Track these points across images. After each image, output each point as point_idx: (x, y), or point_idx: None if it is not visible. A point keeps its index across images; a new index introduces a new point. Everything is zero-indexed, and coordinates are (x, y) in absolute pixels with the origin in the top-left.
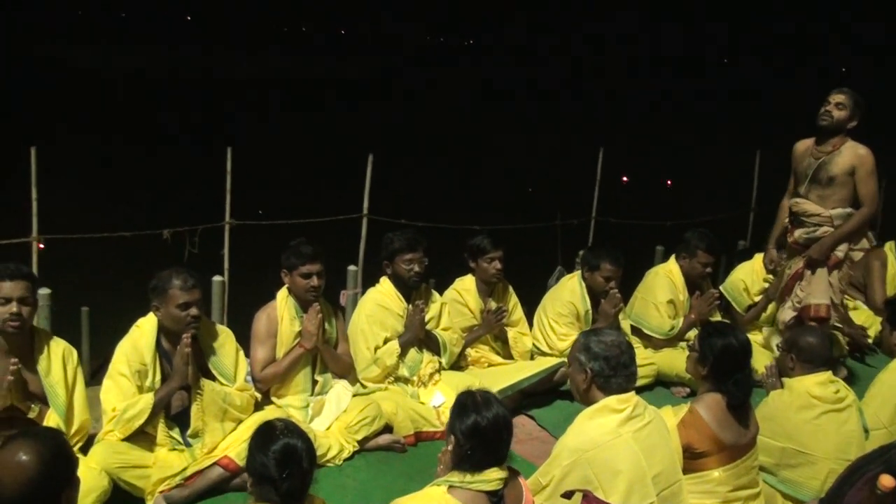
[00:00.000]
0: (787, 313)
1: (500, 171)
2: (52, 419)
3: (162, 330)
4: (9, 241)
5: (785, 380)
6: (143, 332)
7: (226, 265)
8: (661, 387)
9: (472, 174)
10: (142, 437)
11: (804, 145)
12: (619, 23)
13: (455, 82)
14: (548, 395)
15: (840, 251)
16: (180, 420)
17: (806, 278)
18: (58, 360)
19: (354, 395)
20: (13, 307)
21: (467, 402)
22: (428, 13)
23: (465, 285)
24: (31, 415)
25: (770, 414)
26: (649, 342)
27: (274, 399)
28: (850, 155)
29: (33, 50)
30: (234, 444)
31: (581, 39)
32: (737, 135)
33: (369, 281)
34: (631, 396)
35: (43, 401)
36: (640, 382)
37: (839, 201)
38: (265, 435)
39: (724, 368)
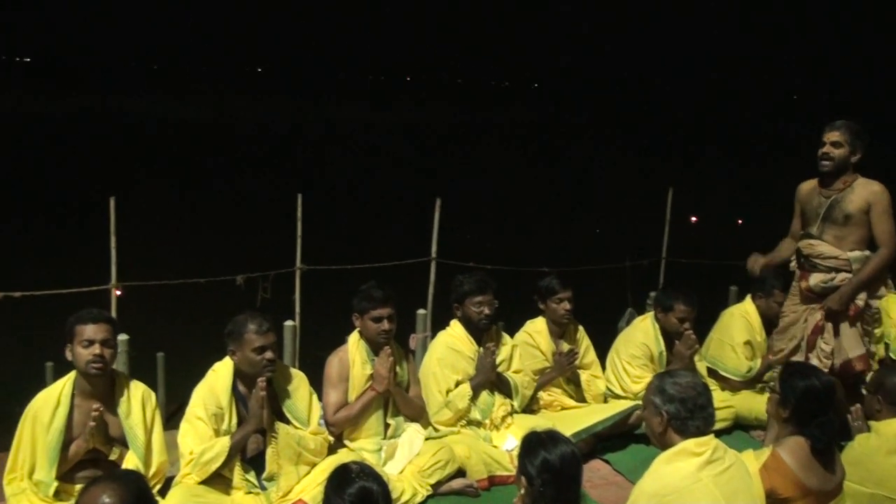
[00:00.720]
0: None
1: (568, 212)
2: (131, 461)
3: (238, 374)
4: (89, 288)
5: (872, 423)
6: (220, 376)
7: (297, 310)
8: (739, 430)
9: (539, 216)
10: (218, 480)
11: (809, 185)
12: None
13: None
14: (622, 438)
15: (860, 300)
16: (256, 463)
17: (828, 331)
18: (137, 403)
19: (427, 439)
20: (96, 349)
21: (533, 441)
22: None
23: (537, 327)
24: (112, 457)
25: (857, 459)
26: (726, 384)
27: (347, 442)
28: (864, 192)
29: (105, 102)
30: (308, 488)
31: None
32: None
33: (438, 324)
34: (710, 440)
35: (123, 443)
36: (717, 426)
37: (856, 242)
38: (341, 478)
39: (807, 411)
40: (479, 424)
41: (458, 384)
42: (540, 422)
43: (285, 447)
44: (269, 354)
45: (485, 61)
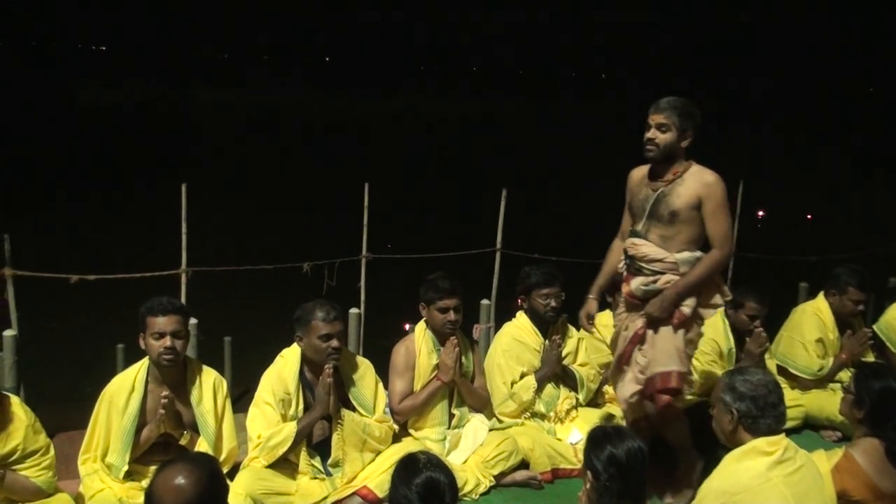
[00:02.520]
0: (627, 387)
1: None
2: (202, 446)
3: (305, 360)
4: (160, 272)
5: None
6: (287, 362)
7: (362, 297)
8: (809, 430)
9: (605, 207)
10: (285, 464)
11: (640, 173)
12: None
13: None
14: None
15: (687, 306)
16: (321, 449)
17: (649, 341)
18: (209, 391)
19: (491, 430)
20: (167, 341)
21: (600, 435)
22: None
23: (603, 321)
24: (183, 441)
25: None
26: (796, 383)
27: (411, 431)
28: (695, 183)
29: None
30: (373, 475)
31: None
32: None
33: (502, 315)
34: (781, 439)
35: (194, 428)
36: (787, 425)
37: (685, 242)
38: (408, 467)
39: (882, 413)
40: (543, 417)
41: (522, 376)
42: (605, 416)
43: (350, 434)
44: (334, 343)
45: (547, 50)
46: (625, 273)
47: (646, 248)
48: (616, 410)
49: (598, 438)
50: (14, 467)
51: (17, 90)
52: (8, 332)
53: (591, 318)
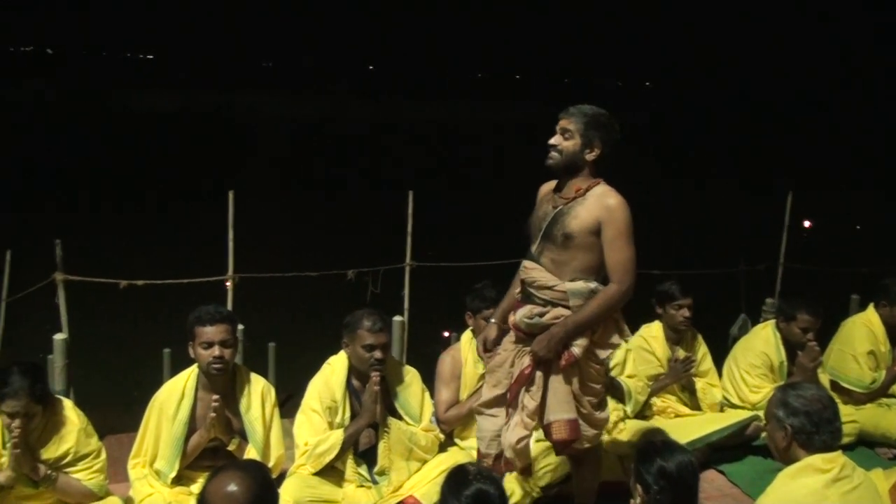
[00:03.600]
0: (513, 433)
1: (680, 213)
2: (250, 453)
3: (352, 368)
4: (207, 278)
5: None
6: (335, 369)
7: (405, 305)
8: (863, 447)
9: (650, 216)
10: (331, 472)
11: (548, 187)
12: None
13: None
14: (739, 449)
15: (577, 346)
16: (368, 457)
17: (537, 383)
18: (257, 398)
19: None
20: (215, 351)
21: (650, 448)
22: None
23: (652, 332)
24: (232, 447)
25: None
26: (849, 397)
27: (457, 441)
28: (596, 205)
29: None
30: (419, 484)
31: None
32: None
33: None
34: (837, 456)
35: (242, 435)
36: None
37: (579, 270)
38: (458, 479)
39: None
40: None
41: None
42: (653, 428)
43: (397, 442)
44: (377, 354)
45: (618, 62)
46: (519, 299)
47: (536, 272)
48: (665, 423)
49: (648, 451)
50: (66, 470)
51: (68, 98)
52: (59, 336)
53: (488, 343)
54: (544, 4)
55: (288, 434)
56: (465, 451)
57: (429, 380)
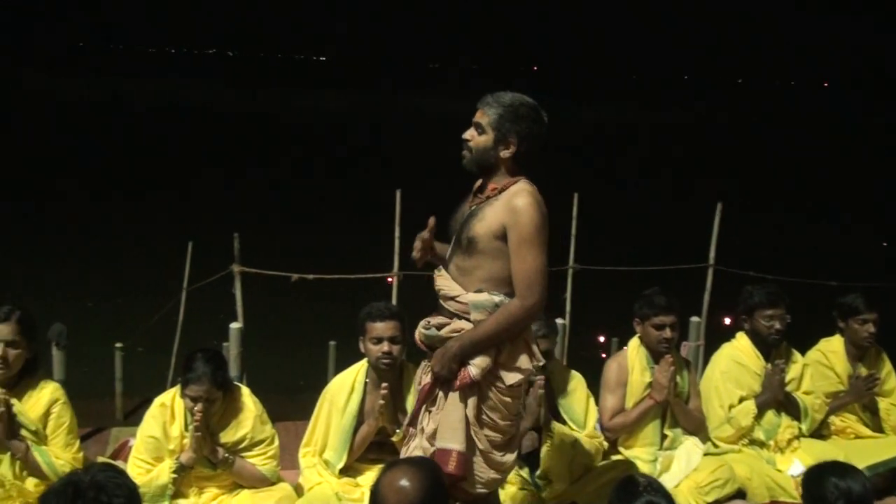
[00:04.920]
0: (417, 453)
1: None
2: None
3: None
4: (374, 275)
5: None
6: None
7: (567, 308)
8: None
9: (821, 223)
10: None
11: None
12: None
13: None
14: None
15: (475, 367)
16: (530, 460)
17: (438, 404)
18: None
19: (706, 455)
20: (385, 346)
21: (821, 470)
22: None
23: (832, 347)
24: (395, 439)
25: None
26: None
27: (621, 449)
28: (503, 207)
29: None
30: (581, 492)
31: None
32: None
33: (712, 334)
34: None
35: None
36: None
37: (485, 280)
38: (628, 490)
39: None
40: (762, 445)
41: (741, 400)
42: (830, 449)
43: (560, 447)
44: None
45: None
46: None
47: (442, 280)
48: (844, 444)
49: (819, 473)
50: (242, 454)
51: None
52: (234, 325)
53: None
54: None
55: None
56: (629, 461)
57: (590, 385)
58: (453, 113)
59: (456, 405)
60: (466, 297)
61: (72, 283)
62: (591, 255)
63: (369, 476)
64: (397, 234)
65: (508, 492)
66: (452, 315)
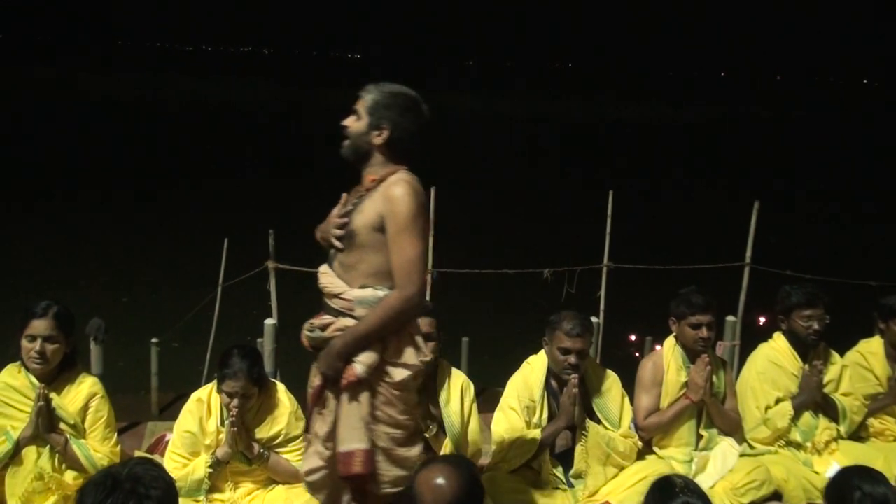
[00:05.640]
0: (308, 461)
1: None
2: (447, 447)
3: (551, 368)
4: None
5: None
6: (534, 369)
7: (601, 307)
8: None
9: (862, 222)
10: (527, 471)
11: None
12: None
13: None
14: None
15: (360, 364)
16: (564, 459)
17: (329, 406)
18: (456, 392)
19: (741, 456)
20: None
21: (846, 475)
22: None
23: (871, 348)
24: (429, 434)
25: None
26: None
27: (656, 449)
28: (380, 197)
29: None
30: (616, 491)
31: None
32: None
33: (747, 333)
34: None
35: (441, 428)
36: None
37: (369, 276)
38: (664, 491)
39: None
40: (799, 447)
41: (778, 401)
42: (868, 452)
43: (594, 447)
44: (571, 359)
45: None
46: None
47: (325, 278)
48: (883, 447)
49: (844, 478)
50: (277, 450)
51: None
52: (269, 321)
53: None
54: None
55: (485, 430)
56: (664, 461)
57: (624, 384)
58: (484, 110)
59: (350, 405)
60: (351, 294)
61: (110, 278)
62: (624, 253)
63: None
64: (431, 231)
65: (543, 490)
66: (338, 313)
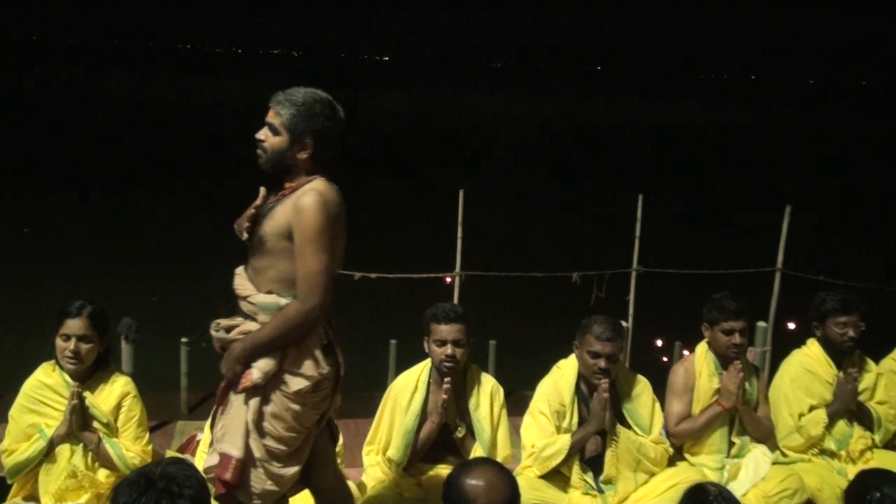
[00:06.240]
0: (208, 458)
1: None
2: (477, 451)
3: (581, 373)
4: (436, 274)
5: None
6: (564, 373)
7: (630, 311)
8: None
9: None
10: (557, 476)
11: None
12: None
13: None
14: None
15: (258, 370)
16: (594, 465)
17: (228, 407)
18: (486, 397)
19: (774, 463)
20: (448, 349)
21: (873, 477)
22: None
23: None
24: (458, 435)
25: None
26: None
27: (687, 456)
28: (290, 204)
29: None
30: (646, 497)
31: None
32: None
33: (779, 339)
34: None
35: (470, 432)
36: None
37: (277, 282)
38: (697, 498)
39: None
40: (833, 455)
41: (811, 409)
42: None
43: (625, 452)
44: (602, 363)
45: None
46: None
47: (238, 279)
48: None
49: (872, 478)
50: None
51: None
52: None
53: None
54: None
55: (515, 434)
56: (695, 468)
57: (653, 388)
58: (509, 113)
59: (239, 409)
60: (256, 298)
61: (140, 278)
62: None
63: (430, 475)
64: (460, 234)
65: (572, 496)
66: (246, 316)
